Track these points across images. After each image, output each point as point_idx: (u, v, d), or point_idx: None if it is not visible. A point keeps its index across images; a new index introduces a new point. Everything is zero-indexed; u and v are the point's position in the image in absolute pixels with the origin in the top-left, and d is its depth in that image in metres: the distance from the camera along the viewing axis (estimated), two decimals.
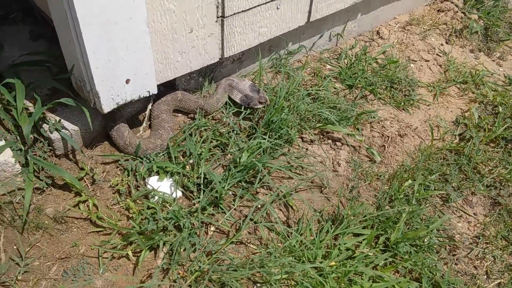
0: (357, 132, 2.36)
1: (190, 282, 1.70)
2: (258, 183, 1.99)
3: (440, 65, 2.98)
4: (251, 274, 1.74)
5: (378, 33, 3.10)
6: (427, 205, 2.13)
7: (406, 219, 1.97)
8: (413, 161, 2.30)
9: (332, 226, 1.94)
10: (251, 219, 1.91)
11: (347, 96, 2.58)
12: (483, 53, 3.24)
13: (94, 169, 2.02)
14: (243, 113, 2.26)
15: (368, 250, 1.85)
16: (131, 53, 1.81)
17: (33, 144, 1.95)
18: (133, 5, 1.69)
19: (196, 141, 2.11)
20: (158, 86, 2.05)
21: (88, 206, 1.92)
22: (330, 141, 2.31)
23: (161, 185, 1.99)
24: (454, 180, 2.25)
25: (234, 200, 1.98)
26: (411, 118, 2.55)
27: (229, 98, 2.34)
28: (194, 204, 1.96)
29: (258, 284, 1.75)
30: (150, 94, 2.01)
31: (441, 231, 2.07)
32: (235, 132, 2.17)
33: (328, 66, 2.77)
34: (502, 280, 1.96)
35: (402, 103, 2.61)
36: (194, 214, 1.88)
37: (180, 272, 1.75)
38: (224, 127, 2.23)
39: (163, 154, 2.10)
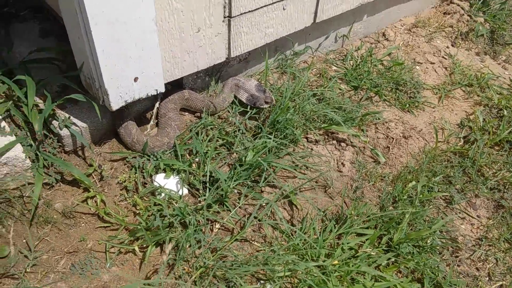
0: (361, 133, 2.38)
1: (195, 277, 1.72)
2: (263, 182, 2.02)
3: (446, 68, 2.99)
4: (254, 271, 1.77)
5: (384, 35, 3.12)
6: (431, 206, 2.14)
7: (409, 220, 1.98)
8: (417, 163, 2.32)
9: (336, 225, 1.96)
10: (255, 217, 1.94)
11: (352, 97, 2.61)
12: (488, 56, 3.24)
13: (102, 166, 2.05)
14: (249, 112, 2.28)
15: (371, 250, 1.87)
16: (140, 51, 1.84)
17: (43, 140, 1.98)
18: (142, 4, 1.71)
19: (202, 140, 2.14)
20: (166, 84, 2.08)
21: (96, 201, 1.95)
22: (335, 141, 2.33)
23: (168, 183, 2.02)
24: (457, 182, 2.27)
25: (239, 198, 2.00)
26: (416, 120, 2.57)
27: (236, 97, 2.36)
28: (199, 202, 1.98)
29: (262, 281, 1.77)
30: (158, 93, 2.04)
31: (444, 233, 2.08)
32: (241, 131, 2.20)
33: (334, 67, 2.79)
34: (504, 282, 1.98)
35: (407, 105, 2.62)
36: (200, 211, 1.91)
37: (185, 268, 1.78)
38: (230, 126, 2.26)
39: (170, 152, 2.13)
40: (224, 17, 2.11)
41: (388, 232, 1.96)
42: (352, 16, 2.86)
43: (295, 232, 1.91)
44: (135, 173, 2.04)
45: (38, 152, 1.92)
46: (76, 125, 2.01)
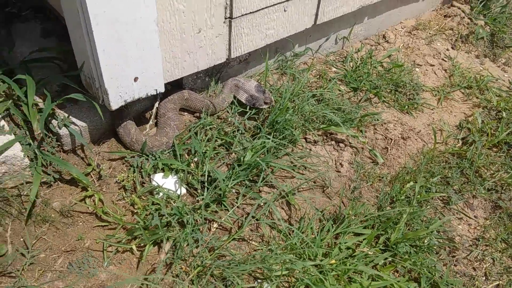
0: (360, 134, 2.39)
1: (193, 276, 1.73)
2: (261, 181, 2.02)
3: (445, 70, 3.00)
4: (252, 270, 1.77)
5: (384, 37, 3.13)
6: (428, 207, 2.15)
7: (406, 220, 1.99)
8: (415, 164, 2.33)
9: (333, 225, 1.96)
10: (253, 217, 1.94)
11: (352, 99, 2.61)
12: (488, 59, 3.25)
13: (100, 165, 2.06)
14: (248, 113, 2.29)
15: (368, 249, 1.88)
16: (140, 51, 1.85)
17: (42, 140, 1.99)
18: (143, 5, 1.73)
19: (201, 140, 2.15)
20: (166, 84, 2.09)
21: (94, 201, 1.96)
22: (333, 142, 2.34)
23: (166, 182, 2.03)
24: (455, 183, 2.27)
25: (237, 198, 2.01)
26: (414, 122, 2.57)
27: (235, 98, 2.37)
28: (198, 201, 1.99)
29: (259, 280, 1.78)
30: (158, 93, 2.05)
31: (441, 233, 2.09)
32: (240, 131, 2.21)
33: (334, 69, 2.80)
34: (500, 282, 1.98)
35: (406, 107, 2.63)
36: (198, 211, 1.91)
37: (183, 267, 1.78)
38: (229, 126, 2.26)
39: (168, 152, 2.14)
40: (225, 18, 2.12)
41: (385, 232, 1.96)
42: (352, 18, 2.87)
43: (293, 231, 1.91)
44: (134, 172, 2.04)
45: (36, 151, 1.92)
46: (75, 125, 2.02)
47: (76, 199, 1.95)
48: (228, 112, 2.34)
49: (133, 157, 2.09)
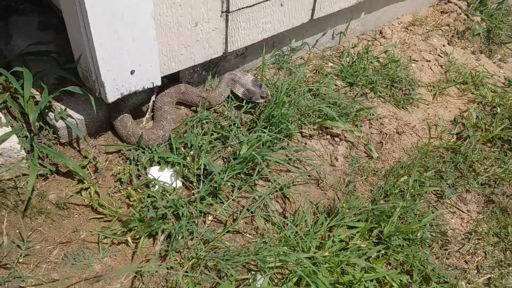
0: (355, 129, 2.40)
1: (187, 268, 1.75)
2: (257, 175, 2.04)
3: (441, 66, 3.01)
4: (246, 261, 1.79)
5: (381, 32, 3.14)
6: (422, 201, 2.17)
7: (400, 214, 2.01)
8: (409, 158, 2.35)
9: (327, 218, 1.98)
10: (248, 210, 1.96)
11: (348, 94, 2.63)
12: (484, 55, 3.26)
13: (97, 158, 2.07)
14: (245, 107, 2.30)
15: (361, 242, 1.90)
16: (137, 44, 1.86)
17: (39, 132, 2.00)
18: None
19: (197, 133, 2.16)
20: (162, 78, 2.10)
21: (90, 193, 1.97)
22: (328, 136, 2.36)
23: (162, 175, 2.04)
24: (449, 178, 2.29)
25: (232, 191, 2.02)
26: (410, 117, 2.59)
27: (232, 92, 2.38)
28: (193, 194, 2.00)
29: (253, 272, 1.79)
30: (154, 86, 2.06)
31: (434, 226, 2.11)
32: (236, 125, 2.22)
33: (330, 64, 2.81)
34: (492, 275, 2.00)
35: (402, 102, 2.65)
36: (193, 204, 1.93)
37: (177, 258, 1.80)
38: (225, 120, 2.28)
39: (164, 145, 2.15)
40: (222, 12, 2.12)
41: (378, 225, 1.98)
42: (349, 14, 2.87)
43: (287, 224, 1.93)
44: (130, 165, 2.06)
45: (33, 144, 1.94)
46: (72, 117, 2.03)
47: (72, 192, 1.96)
48: (224, 106, 2.36)
49: (130, 150, 2.10)
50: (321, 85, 2.53)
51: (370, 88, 2.66)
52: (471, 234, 2.12)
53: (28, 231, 1.84)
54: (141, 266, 1.78)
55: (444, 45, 3.17)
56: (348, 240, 1.93)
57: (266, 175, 2.08)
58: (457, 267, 2.01)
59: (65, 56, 2.17)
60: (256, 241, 1.88)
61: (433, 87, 2.82)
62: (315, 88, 2.50)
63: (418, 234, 2.00)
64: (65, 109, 2.00)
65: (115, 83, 1.91)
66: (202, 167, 2.02)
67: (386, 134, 2.42)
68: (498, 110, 2.66)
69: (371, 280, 1.77)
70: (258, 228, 1.95)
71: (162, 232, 1.86)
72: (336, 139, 2.35)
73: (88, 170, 2.05)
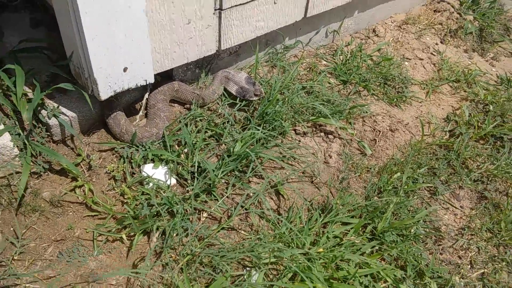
0: (349, 126, 2.41)
1: (182, 265, 1.74)
2: (251, 172, 2.04)
3: (434, 64, 3.03)
4: (241, 258, 1.79)
5: (374, 31, 3.15)
6: (415, 197, 2.18)
7: (393, 210, 2.02)
8: (403, 155, 2.36)
9: (321, 214, 1.99)
10: (242, 206, 1.96)
11: (341, 91, 2.63)
12: (476, 53, 3.29)
13: (90, 156, 2.06)
14: (238, 104, 2.30)
15: (355, 238, 1.91)
16: (129, 41, 1.85)
17: (32, 130, 1.99)
18: None
19: (191, 131, 2.16)
20: (155, 75, 2.09)
21: (84, 191, 1.97)
22: (322, 133, 2.36)
23: (156, 173, 2.04)
24: (442, 174, 2.30)
25: (226, 188, 2.02)
26: (403, 114, 2.60)
27: (225, 89, 2.38)
28: (187, 191, 2.00)
29: (248, 268, 1.79)
30: (147, 83, 2.06)
31: (428, 222, 2.12)
32: (230, 123, 2.22)
33: (324, 62, 2.82)
34: (485, 270, 2.02)
35: (395, 100, 2.66)
36: (188, 201, 1.93)
37: (172, 255, 1.80)
38: (219, 118, 2.28)
39: (158, 143, 2.15)
40: (215, 10, 2.12)
41: (372, 221, 1.99)
42: (343, 12, 2.88)
43: (282, 221, 1.93)
44: (124, 163, 2.05)
45: (26, 141, 1.92)
46: (65, 115, 2.02)
47: (66, 189, 1.95)
48: (218, 103, 2.35)
49: (123, 147, 2.09)
50: (314, 83, 2.53)
51: (364, 86, 2.67)
52: (464, 230, 2.14)
53: (23, 229, 1.83)
54: (136, 270, 1.78)
55: (437, 44, 3.19)
56: (342, 236, 1.94)
57: (260, 172, 2.08)
58: (450, 262, 2.02)
59: (57, 53, 2.16)
60: (250, 238, 1.88)
61: (426, 85, 2.84)
62: (309, 86, 2.51)
63: (412, 230, 2.01)
64: (58, 107, 1.99)
65: (108, 81, 1.91)
66: (196, 164, 2.01)
67: (380, 131, 2.43)
68: (491, 107, 2.69)
69: (366, 276, 1.78)
70: (252, 225, 1.95)
71: (157, 229, 1.86)
72: (330, 136, 2.35)
73: (81, 167, 2.04)
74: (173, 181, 2.04)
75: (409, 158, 2.28)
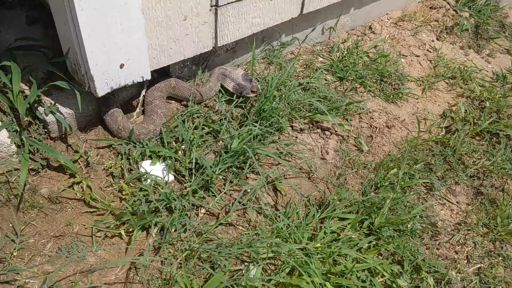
0: (346, 122, 2.42)
1: (181, 260, 1.75)
2: (248, 168, 2.05)
3: (430, 61, 3.04)
4: (239, 253, 1.80)
5: (370, 28, 3.16)
6: (412, 193, 2.19)
7: (390, 206, 2.03)
8: (399, 151, 2.37)
9: (319, 210, 2.00)
10: (240, 202, 1.97)
11: (338, 88, 2.64)
12: (472, 50, 3.30)
13: (88, 152, 2.06)
14: (235, 101, 2.31)
15: (352, 233, 1.92)
16: (126, 38, 1.86)
17: (29, 127, 1.99)
18: None
19: (188, 128, 2.16)
20: (152, 72, 2.10)
21: (82, 187, 1.97)
22: (319, 130, 2.37)
23: (154, 169, 2.04)
24: (438, 170, 2.32)
25: (224, 185, 2.03)
26: (399, 111, 2.61)
27: (222, 86, 2.39)
28: (185, 188, 2.01)
29: (246, 263, 1.80)
30: (144, 80, 2.06)
31: (424, 218, 2.13)
32: (227, 119, 2.22)
33: (320, 59, 2.83)
34: (482, 264, 2.04)
35: (391, 96, 2.67)
36: (185, 197, 1.93)
37: (171, 251, 1.80)
38: (216, 114, 2.28)
39: (156, 139, 2.15)
40: (211, 6, 2.13)
41: (369, 216, 2.00)
42: (339, 9, 2.89)
43: (279, 216, 1.94)
44: (121, 159, 2.05)
45: (23, 138, 1.93)
46: (62, 112, 2.02)
47: (64, 186, 1.96)
48: (215, 100, 2.36)
49: (121, 144, 2.10)
50: (311, 80, 2.54)
51: (360, 83, 2.68)
52: (461, 225, 2.15)
53: (21, 225, 1.84)
54: (136, 258, 1.78)
55: (433, 41, 3.20)
56: (339, 231, 1.95)
57: (257, 168, 2.09)
58: (447, 257, 2.04)
59: (53, 50, 2.16)
60: (248, 233, 1.89)
61: (422, 81, 2.85)
62: (306, 83, 2.52)
63: (409, 225, 2.03)
64: (55, 104, 1.99)
65: (105, 77, 1.91)
66: (193, 161, 2.02)
67: (376, 128, 2.45)
68: (487, 104, 2.70)
69: (363, 270, 1.80)
70: (250, 221, 1.96)
71: (155, 225, 1.87)
72: (327, 132, 2.36)
73: (79, 164, 2.05)
74: (171, 177, 2.05)
75: (406, 154, 2.30)
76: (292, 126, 2.36)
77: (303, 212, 2.02)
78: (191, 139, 2.11)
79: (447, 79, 2.93)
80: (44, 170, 1.99)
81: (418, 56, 3.04)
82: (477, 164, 2.38)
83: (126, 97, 2.27)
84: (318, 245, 1.81)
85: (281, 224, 1.88)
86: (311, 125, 2.39)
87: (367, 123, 2.47)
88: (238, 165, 2.09)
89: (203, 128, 2.19)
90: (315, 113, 2.36)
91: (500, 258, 2.06)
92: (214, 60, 2.48)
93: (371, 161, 2.29)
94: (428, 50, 3.11)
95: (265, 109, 2.24)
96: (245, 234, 1.89)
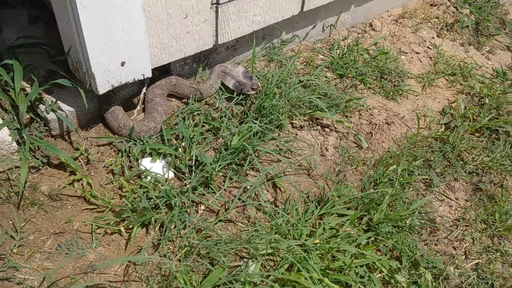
0: (345, 119, 2.43)
1: (180, 256, 1.77)
2: (248, 165, 2.06)
3: (430, 58, 3.04)
4: (238, 249, 1.82)
5: (371, 25, 3.16)
6: (411, 189, 2.20)
7: (389, 202, 2.04)
8: (399, 148, 2.38)
9: (318, 206, 2.01)
10: (239, 199, 1.98)
11: (338, 85, 2.65)
12: (473, 46, 3.30)
13: (88, 150, 2.08)
14: (236, 98, 2.32)
15: (351, 229, 1.93)
16: (127, 36, 1.87)
17: (30, 124, 2.01)
18: None
19: (188, 125, 2.17)
20: (153, 70, 2.11)
21: (82, 184, 1.99)
22: (319, 127, 2.38)
23: (154, 166, 2.06)
24: (437, 166, 2.32)
25: (224, 181, 2.04)
26: (399, 107, 2.62)
27: (222, 84, 2.40)
28: (185, 185, 2.02)
29: (245, 259, 1.82)
30: (145, 78, 2.07)
31: (423, 214, 2.14)
32: (227, 117, 2.24)
33: (321, 56, 2.83)
34: (480, 260, 2.04)
35: (391, 93, 2.67)
36: (185, 194, 1.95)
37: (170, 247, 1.82)
38: (216, 112, 2.29)
39: (156, 137, 2.17)
40: (212, 4, 2.13)
41: (368, 212, 2.02)
42: (339, 6, 2.89)
43: (278, 213, 1.95)
44: (122, 157, 2.07)
45: (24, 136, 1.94)
46: (63, 110, 2.03)
47: (65, 183, 1.97)
48: (215, 98, 2.37)
49: (121, 142, 2.11)
50: (311, 77, 2.55)
51: (360, 80, 2.69)
52: (459, 221, 2.16)
53: (22, 222, 1.85)
54: (135, 257, 1.80)
55: (433, 37, 3.20)
56: (338, 227, 1.96)
57: (256, 165, 2.10)
58: (445, 253, 2.05)
59: (55, 48, 2.17)
60: (248, 230, 1.90)
61: (422, 78, 2.86)
62: (306, 80, 2.53)
63: (407, 221, 2.03)
64: (56, 102, 2.00)
65: (106, 75, 1.92)
66: (193, 158, 2.03)
67: (376, 124, 2.45)
68: (486, 100, 2.70)
69: (361, 266, 1.81)
70: (250, 217, 1.97)
71: (155, 221, 1.88)
72: (327, 129, 2.37)
73: (80, 162, 2.06)
74: (171, 174, 2.06)
75: (405, 151, 2.30)
76: (292, 123, 2.37)
77: (302, 209, 2.03)
78: (191, 136, 2.12)
79: (447, 76, 2.93)
80: (44, 167, 2.01)
81: (418, 53, 3.04)
82: (476, 161, 2.38)
83: (127, 95, 2.28)
84: (317, 241, 1.82)
85: (280, 221, 1.89)
86: (311, 122, 2.40)
87: (366, 120, 2.47)
88: (238, 162, 2.10)
89: (203, 126, 2.20)
90: (315, 110, 2.37)
91: (498, 253, 2.07)
92: (215, 57, 2.49)
93: (371, 157, 2.30)
94: (428, 47, 3.11)
95: (265, 106, 2.25)
96: (245, 230, 1.91)
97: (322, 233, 1.89)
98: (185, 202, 1.93)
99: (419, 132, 2.45)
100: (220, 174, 2.08)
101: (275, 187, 2.10)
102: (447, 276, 1.95)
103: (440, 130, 2.55)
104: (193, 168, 2.02)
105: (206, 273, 1.76)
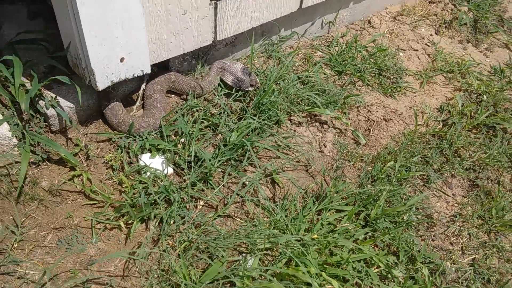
0: (344, 116, 2.44)
1: (179, 251, 1.78)
2: (247, 161, 2.07)
3: (428, 55, 3.06)
4: (236, 244, 1.83)
5: (369, 22, 3.17)
6: (408, 185, 2.22)
7: (386, 198, 2.06)
8: (396, 144, 2.39)
9: (316, 202, 2.03)
10: (238, 194, 2.00)
11: (336, 82, 2.66)
12: (471, 44, 3.31)
13: (88, 145, 2.09)
14: (234, 95, 2.33)
15: (348, 224, 1.94)
16: (126, 32, 1.88)
17: (30, 120, 2.02)
18: None
19: (187, 121, 2.19)
20: (152, 66, 2.12)
21: (82, 180, 2.00)
22: (317, 123, 2.39)
23: (153, 162, 2.07)
24: (435, 163, 2.34)
25: (223, 177, 2.06)
26: (397, 104, 2.63)
27: (221, 80, 2.41)
28: (184, 180, 2.03)
29: (243, 254, 1.83)
30: (144, 74, 2.08)
31: (420, 210, 2.16)
32: (226, 113, 2.25)
33: (319, 53, 2.84)
34: (476, 255, 2.06)
35: (389, 90, 2.69)
36: (184, 189, 1.96)
37: (170, 242, 1.83)
38: (215, 108, 2.30)
39: (155, 133, 2.18)
40: (211, 0, 2.14)
41: (366, 208, 2.03)
42: (338, 3, 2.90)
43: (277, 208, 1.97)
44: (121, 152, 2.08)
45: (24, 131, 1.95)
46: (62, 106, 2.04)
47: (65, 179, 1.98)
48: (214, 94, 2.38)
49: (120, 138, 2.12)
50: (310, 74, 2.56)
51: (359, 77, 2.70)
52: (456, 217, 2.18)
53: (22, 217, 1.86)
54: (134, 250, 1.81)
55: (431, 35, 3.21)
56: (336, 223, 1.98)
57: (255, 161, 2.11)
58: (442, 248, 2.07)
59: (54, 44, 2.18)
60: (246, 225, 1.91)
61: (420, 75, 2.87)
62: (304, 77, 2.54)
63: (404, 217, 2.05)
64: (56, 97, 2.01)
65: (105, 71, 1.93)
66: (192, 154, 2.04)
67: (374, 121, 2.47)
68: (484, 97, 2.72)
69: (359, 261, 1.82)
70: (248, 212, 1.99)
71: (155, 217, 1.89)
72: (325, 126, 2.39)
73: (79, 157, 2.07)
74: (170, 170, 2.07)
75: (403, 147, 2.32)
76: (290, 120, 2.38)
77: (300, 204, 2.05)
78: (190, 132, 2.13)
79: (445, 73, 2.95)
80: (44, 163, 2.02)
81: (417, 50, 3.06)
82: (474, 157, 2.40)
83: (126, 91, 2.29)
84: (315, 236, 1.84)
85: (279, 216, 1.91)
86: (309, 119, 2.41)
87: (364, 117, 2.49)
88: (237, 158, 2.11)
89: (202, 122, 2.21)
90: (313, 107, 2.38)
91: (495, 249, 2.09)
92: (214, 54, 2.49)
93: (368, 154, 2.32)
94: (426, 44, 3.12)
95: (263, 103, 2.26)
96: (243, 225, 1.92)
97: (320, 229, 1.91)
98: (184, 198, 1.94)
99: (417, 129, 2.47)
100: (219, 170, 2.09)
101: (274, 183, 2.11)
102: (443, 271, 1.96)
103: (437, 127, 2.57)
104: (192, 164, 2.03)
105: (205, 267, 1.78)
